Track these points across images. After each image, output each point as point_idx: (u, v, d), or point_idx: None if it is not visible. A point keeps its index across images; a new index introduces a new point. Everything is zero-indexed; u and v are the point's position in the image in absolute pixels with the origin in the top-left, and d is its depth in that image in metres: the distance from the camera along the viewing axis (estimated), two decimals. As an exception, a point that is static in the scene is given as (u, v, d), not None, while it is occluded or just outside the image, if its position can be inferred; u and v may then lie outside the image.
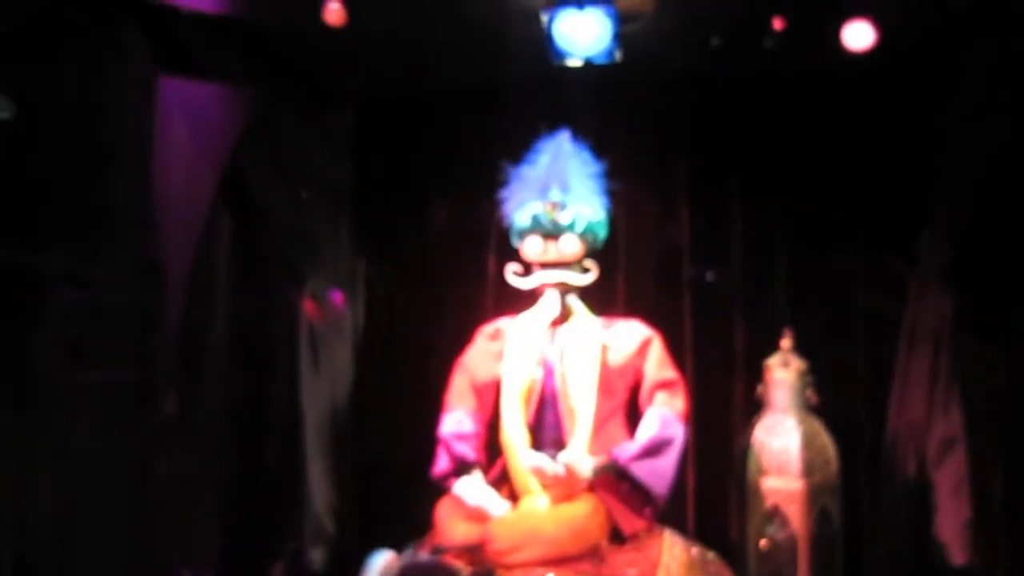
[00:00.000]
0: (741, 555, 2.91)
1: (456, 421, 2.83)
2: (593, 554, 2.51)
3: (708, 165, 3.40)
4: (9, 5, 2.56)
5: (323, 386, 3.34)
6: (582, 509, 2.57)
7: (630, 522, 2.62)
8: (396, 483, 3.31)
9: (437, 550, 2.51)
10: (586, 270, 2.86)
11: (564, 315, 2.87)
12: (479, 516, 2.59)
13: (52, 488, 2.45)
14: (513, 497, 2.71)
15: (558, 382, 2.80)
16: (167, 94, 2.84)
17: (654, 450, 2.67)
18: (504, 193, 2.92)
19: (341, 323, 3.47)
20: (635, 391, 2.85)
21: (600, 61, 2.95)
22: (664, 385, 2.81)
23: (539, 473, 2.66)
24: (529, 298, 2.93)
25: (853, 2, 2.89)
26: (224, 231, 3.13)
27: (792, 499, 2.82)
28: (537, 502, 2.66)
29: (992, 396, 2.91)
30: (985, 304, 2.94)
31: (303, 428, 3.21)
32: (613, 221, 2.99)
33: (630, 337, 2.87)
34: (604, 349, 2.82)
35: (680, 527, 2.91)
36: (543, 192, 2.84)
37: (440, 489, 2.77)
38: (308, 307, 3.29)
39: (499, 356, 2.88)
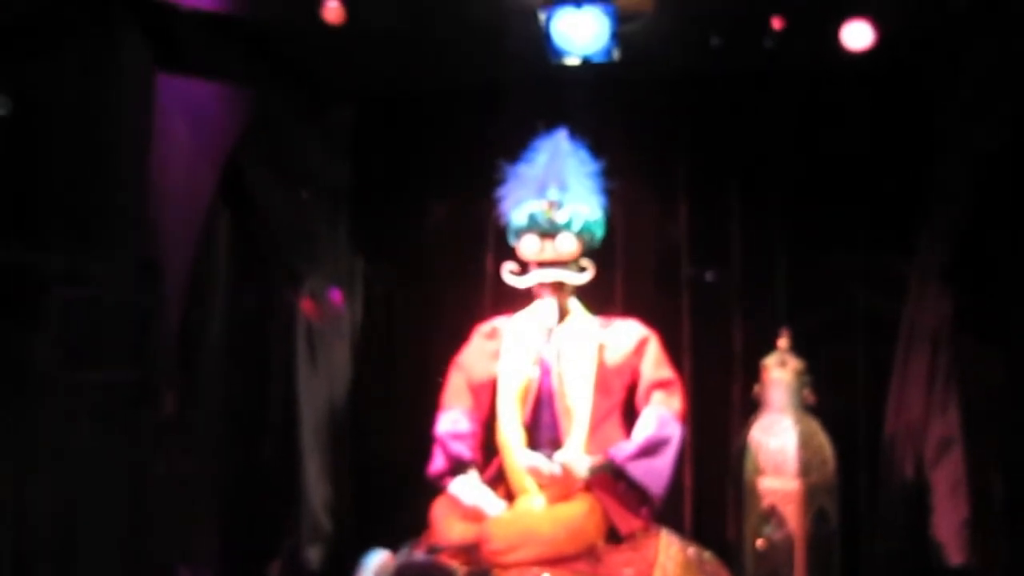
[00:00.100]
0: (738, 555, 2.92)
1: (452, 420, 2.83)
2: (589, 554, 2.51)
3: (706, 164, 3.40)
4: (8, 3, 2.56)
5: (321, 385, 3.35)
6: (578, 509, 2.57)
7: (626, 522, 2.62)
8: (394, 482, 3.31)
9: (433, 549, 2.51)
10: (583, 269, 2.86)
11: (561, 314, 2.87)
12: (475, 516, 2.59)
13: (51, 487, 2.46)
14: (509, 497, 2.71)
15: (555, 381, 2.80)
16: (166, 93, 2.84)
17: (651, 450, 2.67)
18: (501, 192, 2.92)
19: (339, 322, 3.48)
20: (632, 391, 2.85)
21: (598, 60, 2.95)
22: (661, 385, 2.81)
23: (535, 473, 2.66)
24: (527, 297, 2.93)
25: (852, 2, 2.88)
26: (223, 230, 3.13)
27: (789, 499, 2.82)
28: (533, 502, 2.66)
29: (990, 396, 2.90)
30: (983, 304, 2.94)
31: (301, 427, 3.21)
32: (611, 220, 2.98)
33: (627, 336, 2.87)
34: (601, 348, 2.82)
35: (677, 527, 2.92)
36: (541, 191, 2.84)
37: (437, 488, 2.77)
38: (306, 306, 3.29)
39: (496, 355, 2.88)
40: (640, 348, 2.85)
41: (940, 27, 2.94)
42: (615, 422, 2.83)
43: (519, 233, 2.86)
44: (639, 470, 2.64)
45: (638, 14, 2.92)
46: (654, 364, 2.84)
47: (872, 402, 3.15)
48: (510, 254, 2.92)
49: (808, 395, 2.95)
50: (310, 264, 3.37)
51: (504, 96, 3.32)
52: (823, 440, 2.91)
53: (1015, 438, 2.85)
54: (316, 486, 3.24)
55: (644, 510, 2.67)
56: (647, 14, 2.92)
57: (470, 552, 2.47)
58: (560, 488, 2.64)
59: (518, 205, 2.87)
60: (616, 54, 2.94)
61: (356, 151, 3.63)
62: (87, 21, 2.65)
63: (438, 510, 2.67)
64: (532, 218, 2.82)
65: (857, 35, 2.91)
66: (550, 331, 2.86)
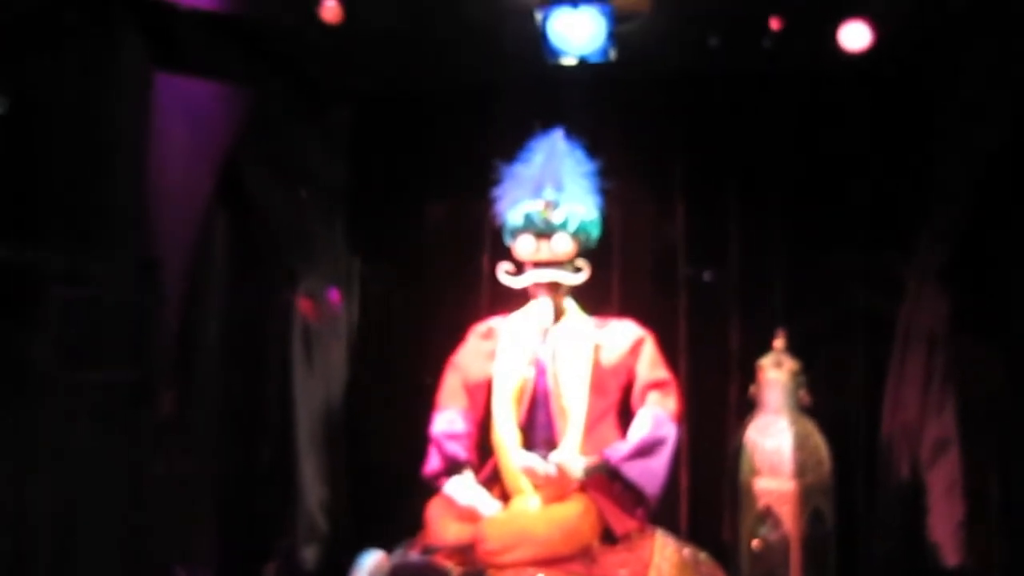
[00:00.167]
0: (733, 556, 2.92)
1: (448, 420, 2.83)
2: (584, 555, 2.51)
3: (703, 165, 3.40)
4: (6, 3, 2.57)
5: (317, 385, 3.35)
6: (573, 509, 2.58)
7: (622, 522, 2.62)
8: (390, 482, 3.32)
9: (428, 550, 2.52)
10: (578, 269, 2.86)
11: (556, 314, 2.87)
12: (470, 516, 2.59)
13: (49, 487, 2.46)
14: (504, 497, 2.71)
15: (550, 382, 2.80)
16: (164, 92, 2.85)
17: (646, 450, 2.67)
18: (498, 191, 2.92)
19: (336, 321, 3.48)
20: (627, 391, 2.85)
21: (595, 60, 2.95)
22: (657, 385, 2.81)
23: (530, 473, 2.67)
24: (523, 297, 2.93)
25: (850, 2, 2.87)
26: (221, 230, 3.14)
27: (784, 500, 2.83)
28: (528, 502, 2.66)
29: (987, 397, 2.91)
30: (981, 305, 2.94)
31: (297, 427, 3.22)
32: (608, 220, 2.98)
33: (623, 337, 2.87)
34: (597, 349, 2.82)
35: (673, 528, 2.92)
36: (537, 191, 2.84)
37: (433, 488, 2.77)
38: (303, 305, 3.30)
39: (491, 355, 2.88)
40: (636, 349, 2.85)
41: (939, 28, 2.93)
42: (610, 423, 2.83)
43: (515, 233, 2.86)
44: (634, 470, 2.64)
45: (635, 14, 2.92)
46: (650, 365, 2.84)
47: (869, 403, 3.15)
48: (506, 254, 2.92)
49: (804, 396, 2.96)
50: (308, 263, 3.37)
51: (501, 96, 3.33)
52: (819, 441, 2.91)
53: (1011, 439, 2.86)
54: (312, 486, 3.24)
55: (639, 511, 2.67)
56: (644, 14, 2.92)
57: (465, 553, 2.47)
58: (555, 489, 2.64)
59: (514, 205, 2.86)
60: (613, 54, 2.94)
61: (354, 151, 3.64)
62: (86, 21, 2.65)
63: (433, 510, 2.67)
64: (528, 218, 2.82)
65: (855, 35, 2.90)
66: (546, 331, 2.86)
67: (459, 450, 2.78)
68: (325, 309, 3.40)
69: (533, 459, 2.68)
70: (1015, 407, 2.84)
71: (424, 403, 2.96)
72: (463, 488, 2.69)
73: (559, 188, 2.84)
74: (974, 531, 2.86)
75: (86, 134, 2.64)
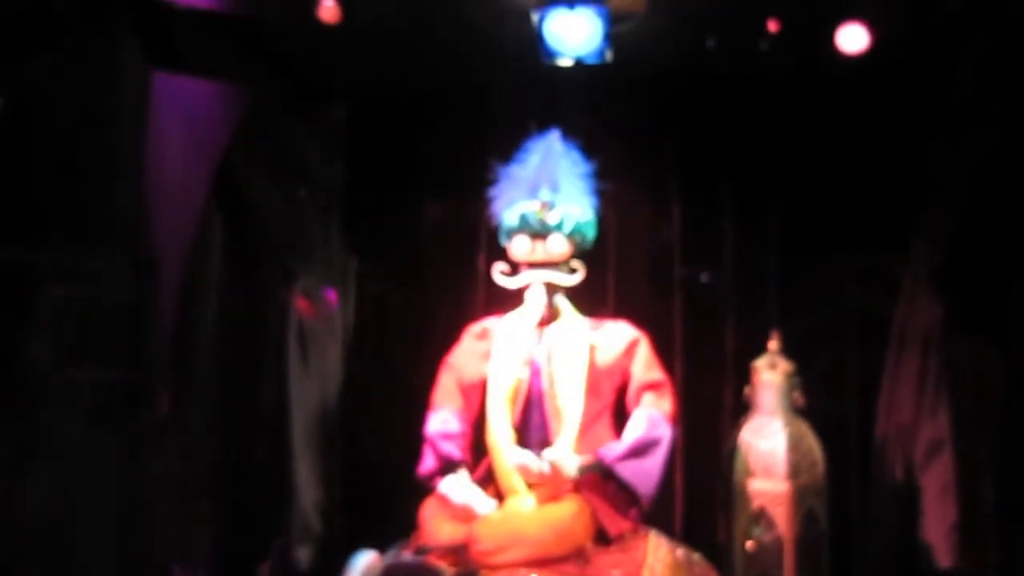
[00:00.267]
0: (727, 557, 2.91)
1: (442, 420, 2.83)
2: (578, 555, 2.51)
3: (699, 166, 3.39)
4: (3, 2, 2.57)
5: (313, 384, 3.35)
6: (567, 510, 2.58)
7: (615, 523, 2.62)
8: (384, 482, 3.32)
9: (421, 550, 2.52)
10: (573, 270, 2.86)
11: (551, 315, 2.87)
12: (464, 516, 2.59)
13: (44, 486, 2.47)
14: (499, 498, 2.70)
15: (545, 382, 2.81)
16: (160, 91, 2.85)
17: (641, 450, 2.68)
18: (494, 192, 2.93)
19: (332, 321, 3.49)
20: (622, 392, 2.86)
21: (591, 61, 2.95)
22: (651, 386, 2.82)
23: (524, 471, 2.67)
24: (518, 298, 2.93)
25: (847, 4, 2.87)
26: (217, 229, 3.14)
27: (778, 501, 2.83)
28: (522, 502, 2.66)
29: (981, 399, 2.91)
30: (976, 307, 2.94)
31: (292, 426, 3.22)
32: (603, 221, 2.99)
33: (618, 338, 2.87)
34: (592, 349, 2.82)
35: (667, 528, 2.91)
36: (533, 191, 2.85)
37: (427, 488, 2.78)
38: (300, 305, 3.30)
39: (486, 356, 2.88)
40: (631, 350, 2.86)
41: (935, 30, 2.93)
42: (605, 423, 2.83)
43: (510, 234, 2.87)
44: (628, 471, 2.65)
45: (631, 15, 2.92)
46: (645, 366, 2.85)
47: (863, 404, 3.15)
48: (502, 254, 2.93)
49: (798, 397, 2.95)
50: (304, 263, 3.37)
51: (497, 97, 3.33)
52: (813, 442, 2.91)
53: (1005, 441, 2.86)
54: (307, 486, 3.24)
55: (633, 511, 2.68)
56: (640, 15, 2.92)
57: (458, 553, 2.47)
58: (549, 488, 2.64)
59: (510, 206, 2.87)
60: (609, 55, 2.94)
61: (350, 150, 3.63)
62: (83, 20, 2.66)
63: (427, 510, 2.67)
64: (524, 219, 2.83)
65: (851, 38, 2.90)
66: (541, 332, 2.86)
67: (453, 450, 2.78)
68: (321, 309, 3.40)
69: (527, 456, 2.68)
70: (1009, 409, 2.84)
71: (419, 403, 2.96)
72: (457, 487, 2.69)
73: (555, 189, 2.85)
74: (968, 533, 2.86)
75: (84, 134, 2.65)
